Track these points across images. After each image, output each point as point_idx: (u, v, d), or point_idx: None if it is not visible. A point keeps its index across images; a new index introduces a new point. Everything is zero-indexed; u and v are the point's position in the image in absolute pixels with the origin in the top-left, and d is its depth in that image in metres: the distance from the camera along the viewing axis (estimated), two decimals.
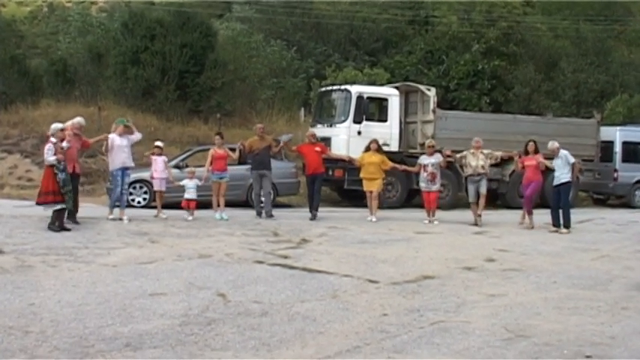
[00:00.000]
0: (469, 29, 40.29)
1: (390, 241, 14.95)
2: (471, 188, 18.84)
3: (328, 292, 10.42)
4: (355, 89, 23.05)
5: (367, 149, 19.23)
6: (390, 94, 23.69)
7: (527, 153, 18.69)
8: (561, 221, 17.71)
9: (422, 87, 25.08)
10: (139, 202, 19.83)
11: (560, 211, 17.83)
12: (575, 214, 18.75)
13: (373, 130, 21.95)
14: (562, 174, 17.79)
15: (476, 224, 18.35)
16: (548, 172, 19.14)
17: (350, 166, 21.12)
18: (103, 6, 57.00)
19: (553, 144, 18.13)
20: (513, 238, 15.98)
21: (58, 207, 14.64)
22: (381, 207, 19.54)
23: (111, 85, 30.83)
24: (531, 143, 18.70)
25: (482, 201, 18.74)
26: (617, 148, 26.84)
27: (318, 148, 19.23)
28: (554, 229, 17.68)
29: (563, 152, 17.88)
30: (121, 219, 16.58)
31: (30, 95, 29.74)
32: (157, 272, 11.29)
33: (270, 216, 18.46)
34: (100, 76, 32.23)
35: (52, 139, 14.88)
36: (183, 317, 8.82)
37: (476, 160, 18.59)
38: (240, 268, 11.75)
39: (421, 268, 12.15)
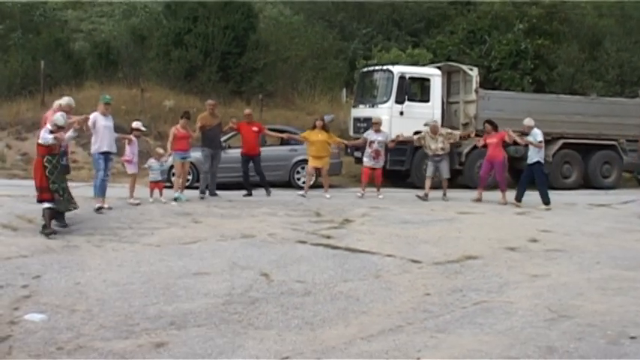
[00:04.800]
0: (512, 8, 39.89)
1: (433, 222, 14.90)
2: (430, 166, 19.22)
3: (371, 271, 10.46)
4: (397, 69, 22.93)
5: (313, 127, 19.17)
6: (433, 74, 23.55)
7: (487, 133, 19.03)
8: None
9: (464, 67, 24.91)
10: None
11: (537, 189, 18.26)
12: (619, 195, 18.52)
13: (415, 110, 21.89)
14: (533, 153, 17.99)
15: (425, 198, 18.71)
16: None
17: (392, 147, 21.13)
18: None
19: (529, 121, 18.32)
20: (556, 219, 15.86)
21: (46, 205, 12.56)
22: (423, 187, 19.47)
23: (154, 66, 30.90)
24: (487, 125, 19.11)
25: (444, 183, 19.30)
26: None
27: (255, 128, 18.99)
28: (516, 203, 18.02)
29: (535, 131, 18.04)
30: (103, 207, 14.93)
31: (74, 78, 29.89)
32: (201, 252, 11.40)
33: (214, 194, 18.08)
34: (143, 58, 32.31)
35: (49, 126, 12.73)
36: (227, 296, 8.92)
37: (435, 144, 18.94)
38: (282, 248, 11.82)
39: (464, 249, 12.14)
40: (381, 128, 19.56)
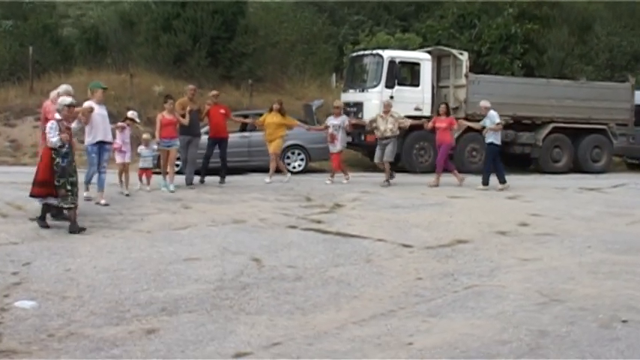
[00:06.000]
0: None
1: (423, 206, 14.91)
2: (378, 150, 19.06)
3: (362, 256, 10.46)
4: (387, 54, 22.93)
5: (270, 110, 18.93)
6: (422, 58, 23.55)
7: (439, 114, 19.25)
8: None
9: (454, 51, 24.90)
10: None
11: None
12: (609, 179, 18.51)
13: (405, 94, 21.89)
14: (489, 135, 18.22)
15: (390, 178, 18.79)
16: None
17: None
18: None
19: (485, 103, 18.62)
20: (546, 203, 15.87)
21: (50, 201, 11.68)
22: (414, 172, 19.48)
23: (142, 52, 30.83)
24: (442, 105, 19.57)
25: (386, 166, 18.84)
26: None
27: (222, 110, 18.49)
28: (501, 186, 18.10)
29: (491, 113, 18.25)
30: (98, 202, 13.93)
31: (62, 64, 29.80)
32: (191, 238, 11.37)
33: (190, 184, 17.24)
34: (132, 44, 32.22)
35: (57, 116, 11.77)
36: (218, 282, 8.90)
37: (384, 124, 18.74)
38: (273, 233, 11.81)
39: (455, 233, 12.15)
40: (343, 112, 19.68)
